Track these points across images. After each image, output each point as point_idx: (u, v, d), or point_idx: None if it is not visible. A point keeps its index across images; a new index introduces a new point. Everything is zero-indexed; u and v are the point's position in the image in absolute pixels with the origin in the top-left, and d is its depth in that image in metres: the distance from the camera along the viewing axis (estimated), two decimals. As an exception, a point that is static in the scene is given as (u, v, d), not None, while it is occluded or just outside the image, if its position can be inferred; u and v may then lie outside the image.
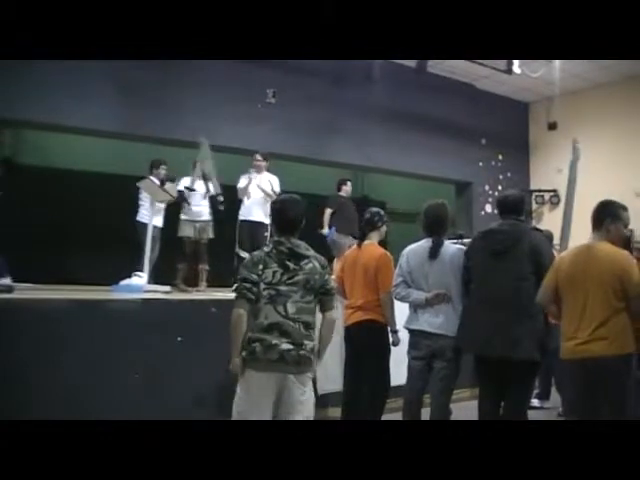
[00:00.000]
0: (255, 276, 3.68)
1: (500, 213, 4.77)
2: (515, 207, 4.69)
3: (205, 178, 8.23)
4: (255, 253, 3.84)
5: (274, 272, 3.68)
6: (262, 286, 3.67)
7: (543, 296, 4.19)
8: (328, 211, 9.54)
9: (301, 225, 3.89)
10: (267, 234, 7.98)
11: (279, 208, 3.96)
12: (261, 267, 3.69)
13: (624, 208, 4.14)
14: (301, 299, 3.69)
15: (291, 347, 3.60)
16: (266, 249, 3.81)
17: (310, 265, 3.76)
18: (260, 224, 8.20)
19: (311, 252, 3.84)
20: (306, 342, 3.67)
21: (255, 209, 8.34)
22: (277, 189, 8.28)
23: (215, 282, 8.26)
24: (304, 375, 3.70)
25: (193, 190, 8.21)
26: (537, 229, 4.92)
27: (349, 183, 10.04)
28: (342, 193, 9.90)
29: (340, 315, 5.70)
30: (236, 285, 3.77)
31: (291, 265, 3.71)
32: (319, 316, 3.94)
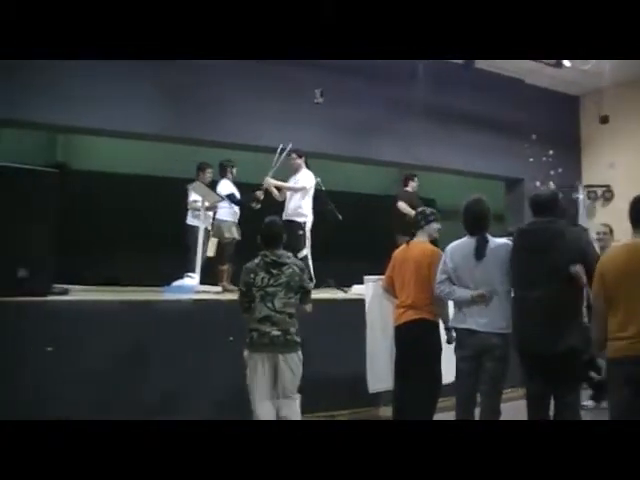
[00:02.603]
0: (246, 287, 4.85)
1: (533, 213, 4.72)
2: (548, 206, 4.64)
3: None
4: (248, 265, 4.92)
5: (262, 278, 4.80)
6: (254, 289, 4.79)
7: (599, 308, 3.99)
8: (401, 204, 9.49)
9: (282, 240, 4.96)
10: (301, 232, 8.01)
11: (264, 229, 4.97)
12: (252, 275, 4.82)
13: None
14: (285, 296, 4.80)
15: (279, 333, 4.76)
16: (256, 260, 4.88)
17: (290, 270, 4.85)
18: (292, 222, 8.03)
19: (291, 260, 4.95)
20: (291, 329, 4.82)
21: (288, 209, 8.30)
22: (304, 184, 8.22)
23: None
24: (291, 353, 4.82)
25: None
26: (575, 224, 4.85)
27: (416, 179, 9.94)
28: (409, 189, 9.83)
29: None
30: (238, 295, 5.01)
31: (275, 271, 4.81)
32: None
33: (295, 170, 8.40)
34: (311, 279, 5.17)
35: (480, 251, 4.77)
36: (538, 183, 12.38)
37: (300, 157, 8.41)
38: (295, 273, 4.85)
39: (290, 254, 5.03)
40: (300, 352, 4.91)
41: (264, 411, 4.79)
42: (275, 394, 4.87)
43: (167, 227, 8.61)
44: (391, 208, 9.62)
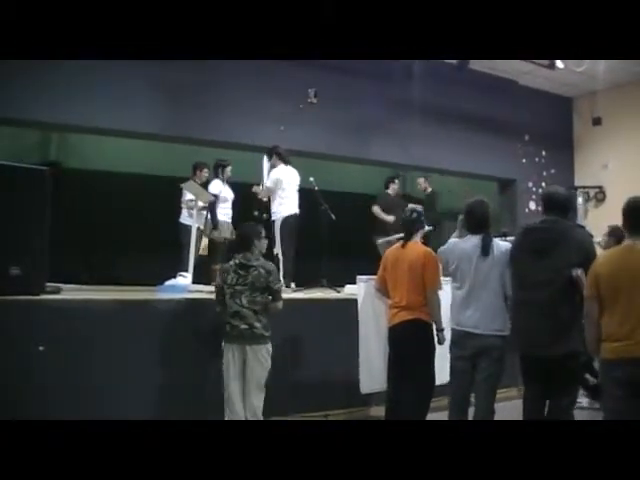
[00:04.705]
0: (221, 283, 5.41)
1: (545, 210, 4.70)
2: (561, 205, 4.63)
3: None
4: (225, 265, 5.56)
5: (232, 277, 5.35)
6: (226, 287, 5.35)
7: (591, 309, 4.01)
8: (375, 208, 9.68)
9: (253, 244, 5.45)
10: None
11: (237, 234, 5.77)
12: (225, 275, 5.39)
13: None
14: (250, 295, 5.29)
15: (246, 327, 5.26)
16: (230, 262, 5.46)
17: (256, 272, 5.33)
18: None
19: (259, 262, 5.43)
20: (256, 324, 5.28)
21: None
22: (267, 184, 8.19)
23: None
24: (259, 345, 5.27)
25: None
26: (580, 226, 4.84)
27: (397, 181, 10.08)
28: (389, 191, 9.93)
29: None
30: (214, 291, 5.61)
31: (242, 272, 5.35)
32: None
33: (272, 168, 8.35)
34: (278, 279, 5.60)
35: (486, 248, 4.78)
36: (531, 184, 12.45)
37: (271, 157, 8.33)
38: (260, 275, 5.33)
39: (260, 257, 5.50)
40: (269, 345, 5.34)
41: (235, 410, 5.24)
42: (247, 390, 5.29)
43: (166, 226, 8.58)
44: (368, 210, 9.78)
